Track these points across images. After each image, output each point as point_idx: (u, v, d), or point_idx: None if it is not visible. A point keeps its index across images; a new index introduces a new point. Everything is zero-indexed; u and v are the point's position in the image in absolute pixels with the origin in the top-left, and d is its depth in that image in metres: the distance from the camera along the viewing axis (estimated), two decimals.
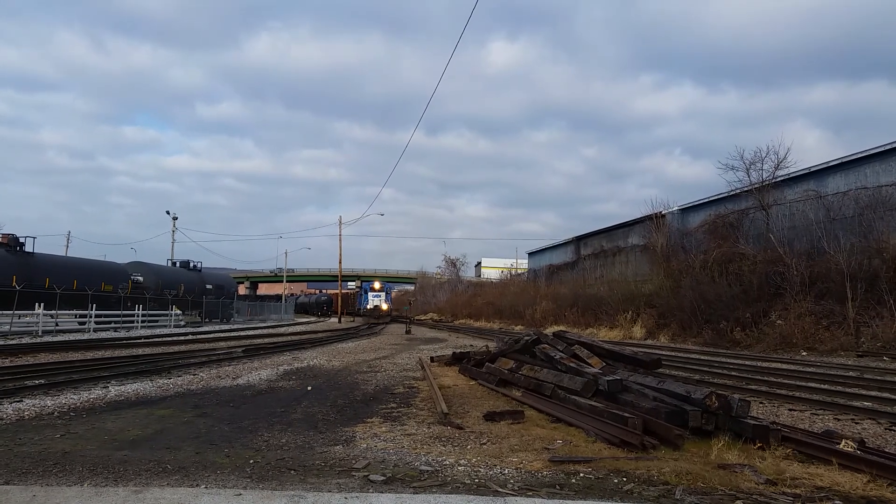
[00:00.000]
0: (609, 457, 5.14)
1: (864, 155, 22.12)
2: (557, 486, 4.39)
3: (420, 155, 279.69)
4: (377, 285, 69.96)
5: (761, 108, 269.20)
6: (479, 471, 4.79)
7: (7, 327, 23.23)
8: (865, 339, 17.23)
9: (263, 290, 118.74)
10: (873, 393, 9.60)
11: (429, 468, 4.87)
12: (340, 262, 62.85)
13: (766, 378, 11.62)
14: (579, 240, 46.09)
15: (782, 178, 25.06)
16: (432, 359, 14.66)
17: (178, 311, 38.12)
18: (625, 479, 4.52)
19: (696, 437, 5.69)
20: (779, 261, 21.91)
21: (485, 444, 5.85)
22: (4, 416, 7.13)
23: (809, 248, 21.97)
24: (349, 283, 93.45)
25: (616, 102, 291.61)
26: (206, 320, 42.87)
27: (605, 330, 29.47)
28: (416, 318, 60.82)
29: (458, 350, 16.04)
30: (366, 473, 4.67)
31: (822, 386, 10.49)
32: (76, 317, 28.94)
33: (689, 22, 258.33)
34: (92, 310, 28.30)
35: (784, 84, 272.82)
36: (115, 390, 9.48)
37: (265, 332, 32.93)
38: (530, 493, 4.20)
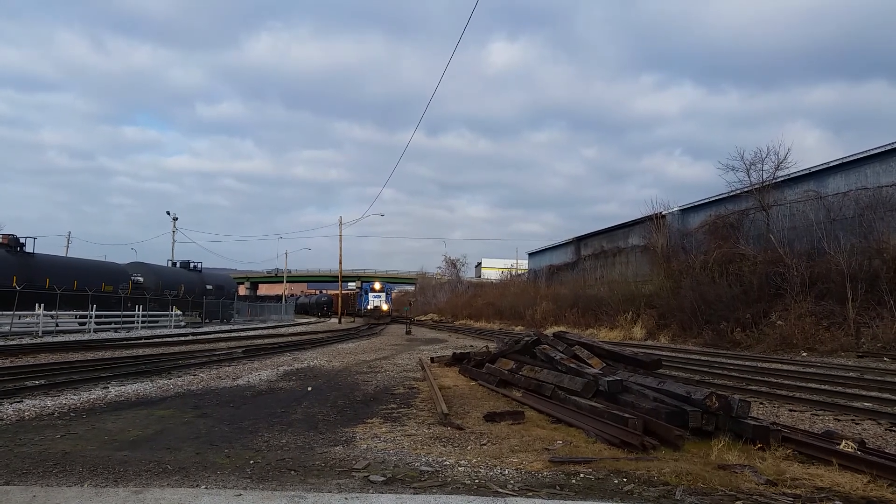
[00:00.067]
0: (609, 457, 5.14)
1: (864, 155, 22.12)
2: (558, 487, 4.39)
3: (420, 155, 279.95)
4: (377, 286, 70.01)
5: (761, 109, 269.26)
6: (480, 471, 4.79)
7: (7, 328, 23.24)
8: (866, 340, 17.23)
9: (264, 290, 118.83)
10: (873, 393, 9.60)
11: (429, 469, 4.87)
12: (341, 263, 62.91)
13: (766, 379, 11.62)
14: (579, 240, 46.10)
15: (782, 179, 25.06)
16: (432, 359, 14.66)
17: (179, 312, 38.12)
18: (625, 480, 4.52)
19: (696, 438, 5.69)
20: (779, 261, 21.91)
21: (485, 444, 5.85)
22: (5, 416, 7.13)
23: (810, 249, 21.97)
24: (349, 284, 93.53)
25: (616, 102, 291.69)
26: (207, 321, 42.87)
27: (606, 330, 29.47)
28: (417, 318, 60.80)
29: (459, 351, 16.04)
30: (366, 474, 4.67)
31: (823, 386, 10.49)
32: (76, 317, 28.94)
33: (689, 22, 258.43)
34: (92, 310, 28.31)
35: (784, 84, 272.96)
36: (115, 391, 9.48)
37: (265, 332, 32.94)
38: (530, 494, 4.20)
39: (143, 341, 21.93)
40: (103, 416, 7.35)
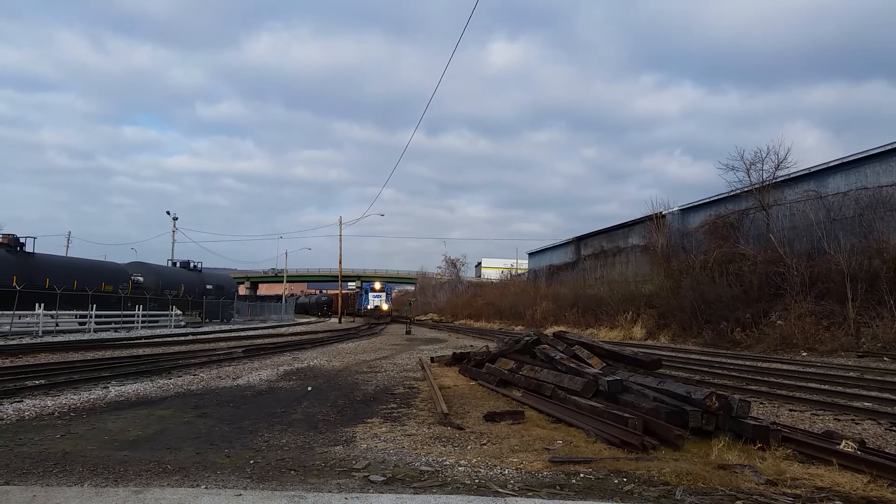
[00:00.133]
0: (609, 457, 5.14)
1: (864, 155, 22.12)
2: (558, 487, 4.39)
3: (420, 155, 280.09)
4: (377, 286, 70.05)
5: (761, 109, 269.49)
6: (480, 471, 4.79)
7: (7, 327, 23.23)
8: (866, 340, 17.22)
9: (264, 290, 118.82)
10: (873, 393, 9.60)
11: (429, 468, 4.87)
12: (341, 263, 62.89)
13: (766, 378, 11.61)
14: (579, 240, 46.09)
15: (782, 179, 25.06)
16: (432, 359, 14.66)
17: (179, 312, 38.11)
18: (625, 480, 4.52)
19: (696, 438, 5.69)
20: (779, 261, 21.90)
21: (485, 444, 5.85)
22: (5, 416, 7.13)
23: (810, 249, 21.96)
24: (349, 284, 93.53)
25: (616, 102, 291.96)
26: (207, 321, 42.86)
27: (606, 330, 29.46)
28: (417, 318, 60.79)
29: (459, 350, 16.04)
30: (366, 474, 4.67)
31: (823, 386, 10.49)
32: (76, 317, 28.94)
33: (689, 22, 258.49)
34: (92, 310, 28.30)
35: (784, 84, 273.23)
36: (115, 390, 9.48)
37: (265, 332, 32.93)
38: (530, 494, 4.20)
39: (143, 341, 21.93)
40: (103, 416, 7.35)
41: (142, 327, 31.83)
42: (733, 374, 12.54)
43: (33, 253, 28.94)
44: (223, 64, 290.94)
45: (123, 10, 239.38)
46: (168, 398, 8.99)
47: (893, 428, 7.12)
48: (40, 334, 23.95)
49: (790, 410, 8.35)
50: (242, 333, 30.48)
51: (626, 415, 5.95)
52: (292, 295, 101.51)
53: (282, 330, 37.07)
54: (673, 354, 17.16)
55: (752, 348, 19.44)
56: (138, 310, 32.62)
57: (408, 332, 32.86)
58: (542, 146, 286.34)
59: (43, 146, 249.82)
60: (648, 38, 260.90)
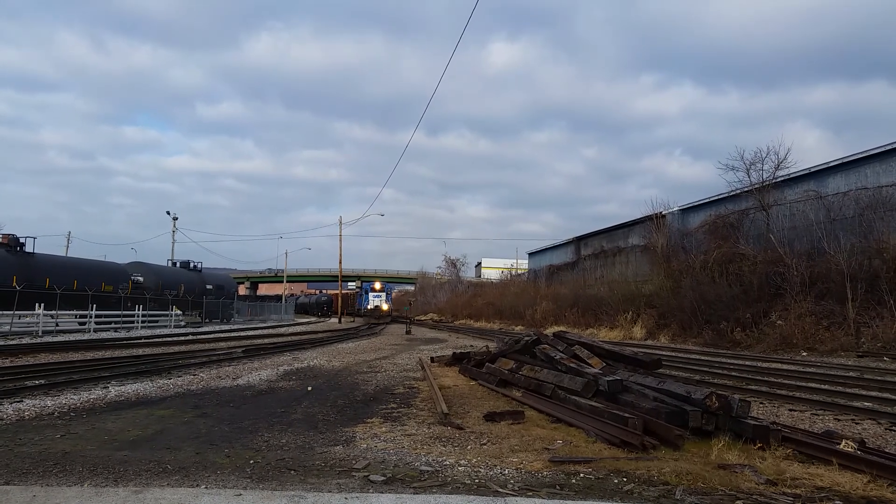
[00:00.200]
0: (609, 457, 5.14)
1: (864, 155, 22.12)
2: (557, 487, 4.39)
3: (420, 155, 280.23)
4: (377, 286, 70.06)
5: (762, 109, 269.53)
6: (480, 471, 4.79)
7: (7, 327, 23.23)
8: (866, 340, 17.22)
9: (263, 290, 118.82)
10: (873, 393, 9.60)
11: (429, 468, 4.87)
12: (341, 263, 62.89)
13: (766, 378, 11.61)
14: (579, 240, 46.09)
15: (782, 179, 25.06)
16: (432, 359, 14.66)
17: (179, 312, 38.11)
18: (625, 480, 4.52)
19: (696, 438, 5.69)
20: (779, 261, 21.90)
21: (485, 444, 5.85)
22: (5, 416, 7.13)
23: (810, 249, 21.96)
24: (349, 284, 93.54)
25: (616, 103, 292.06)
26: (207, 320, 42.86)
27: (606, 330, 29.47)
28: (417, 318, 60.79)
29: (459, 350, 16.04)
30: (366, 474, 4.67)
31: (823, 386, 10.49)
32: (76, 317, 28.94)
33: (689, 22, 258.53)
34: (92, 310, 28.30)
35: (784, 84, 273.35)
36: (115, 390, 9.48)
37: (265, 332, 32.93)
38: (530, 494, 4.20)
39: (142, 341, 21.93)
40: (103, 416, 7.35)
41: (142, 327, 31.83)
42: (733, 374, 12.54)
43: (33, 253, 28.95)
44: (223, 64, 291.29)
45: (123, 10, 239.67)
46: (168, 398, 8.99)
47: (893, 428, 7.12)
48: (40, 334, 23.95)
49: (790, 410, 8.35)
50: (242, 333, 30.48)
51: (626, 415, 5.95)
52: (292, 295, 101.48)
53: (282, 330, 37.06)
54: (673, 354, 17.16)
55: (752, 348, 19.44)
56: (138, 310, 32.62)
57: (408, 332, 32.86)
58: (542, 146, 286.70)
59: (43, 146, 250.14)
60: (649, 39, 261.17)
